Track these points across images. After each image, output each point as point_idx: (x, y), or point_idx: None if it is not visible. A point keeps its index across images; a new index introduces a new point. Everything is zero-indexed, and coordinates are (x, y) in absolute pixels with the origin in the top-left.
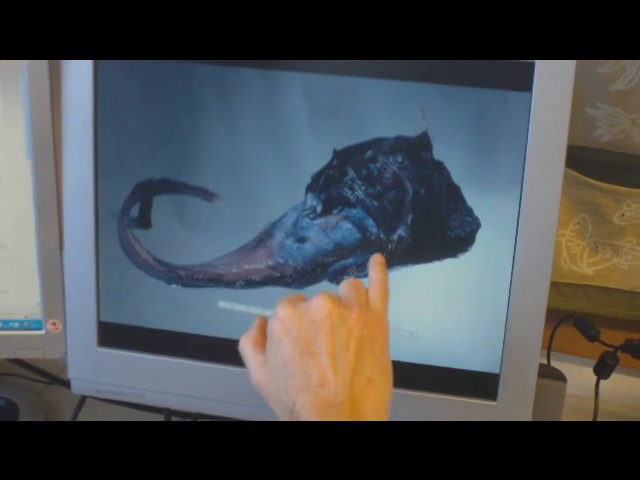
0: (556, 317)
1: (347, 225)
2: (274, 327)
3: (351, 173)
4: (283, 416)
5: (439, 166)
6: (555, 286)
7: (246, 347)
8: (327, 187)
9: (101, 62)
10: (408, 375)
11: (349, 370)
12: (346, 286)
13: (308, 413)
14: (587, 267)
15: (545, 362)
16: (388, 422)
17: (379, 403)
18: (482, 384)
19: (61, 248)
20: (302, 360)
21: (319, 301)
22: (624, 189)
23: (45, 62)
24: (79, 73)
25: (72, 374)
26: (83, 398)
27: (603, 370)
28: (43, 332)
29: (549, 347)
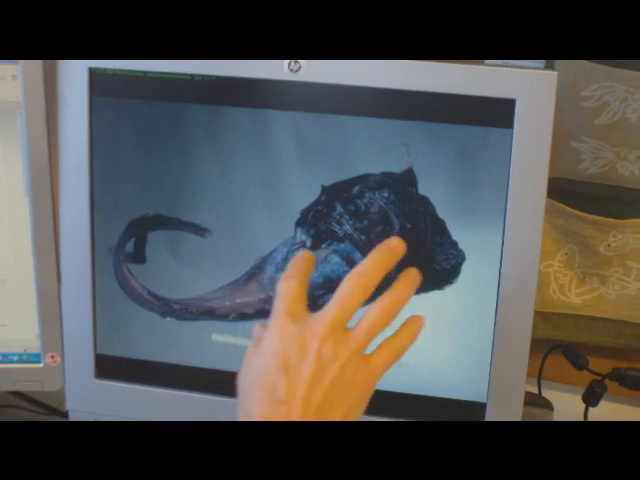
0: (545, 346)
1: (336, 259)
2: (266, 337)
3: (339, 208)
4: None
5: (424, 201)
6: (544, 316)
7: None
8: (316, 222)
9: (96, 103)
10: (395, 404)
11: (318, 404)
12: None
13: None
14: (575, 297)
15: (536, 391)
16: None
17: None
18: (469, 413)
19: (59, 283)
20: (274, 375)
21: (320, 327)
22: (609, 220)
23: (42, 102)
24: (75, 113)
25: (70, 406)
26: None
27: (591, 398)
28: (42, 365)
29: (539, 376)
